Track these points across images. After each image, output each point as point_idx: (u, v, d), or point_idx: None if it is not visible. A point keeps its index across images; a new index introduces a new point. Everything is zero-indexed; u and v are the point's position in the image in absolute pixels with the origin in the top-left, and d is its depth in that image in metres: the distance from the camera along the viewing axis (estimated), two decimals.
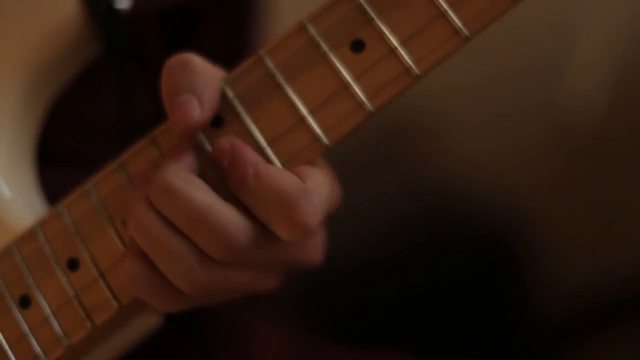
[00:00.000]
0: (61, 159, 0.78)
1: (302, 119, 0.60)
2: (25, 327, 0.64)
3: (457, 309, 1.24)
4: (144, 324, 0.71)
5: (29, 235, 0.65)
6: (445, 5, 0.58)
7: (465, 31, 0.59)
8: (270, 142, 0.61)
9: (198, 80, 0.60)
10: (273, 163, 0.60)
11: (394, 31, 0.59)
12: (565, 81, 1.27)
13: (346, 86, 0.60)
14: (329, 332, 1.02)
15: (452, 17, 0.59)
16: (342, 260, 1.17)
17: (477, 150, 1.32)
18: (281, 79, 0.61)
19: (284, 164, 0.60)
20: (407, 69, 0.59)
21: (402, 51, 0.59)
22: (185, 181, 0.57)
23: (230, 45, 0.86)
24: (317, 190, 0.58)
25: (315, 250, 0.64)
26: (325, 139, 0.60)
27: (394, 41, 0.59)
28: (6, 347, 0.64)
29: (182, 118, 0.58)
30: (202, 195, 0.56)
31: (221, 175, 0.59)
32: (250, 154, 0.58)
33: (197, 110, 0.59)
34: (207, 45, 0.80)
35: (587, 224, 1.30)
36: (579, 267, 1.30)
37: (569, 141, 1.29)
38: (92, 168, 0.68)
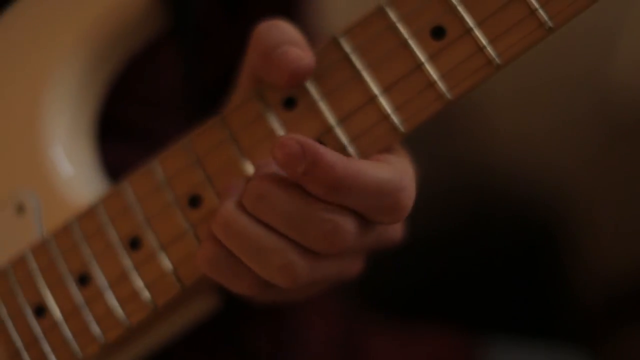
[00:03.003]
0: (123, 133, 0.77)
1: (373, 98, 0.59)
2: (84, 305, 0.63)
3: (496, 287, 1.23)
4: (202, 306, 0.70)
5: (90, 213, 0.63)
6: (536, 4, 0.57)
7: (550, 23, 0.57)
8: (340, 121, 0.59)
9: (295, 35, 0.58)
10: (341, 142, 0.58)
11: (476, 19, 0.57)
12: (614, 59, 1.25)
13: (428, 79, 0.58)
14: (378, 307, 1.01)
15: (540, 14, 0.57)
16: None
17: (519, 128, 1.30)
18: (358, 64, 0.59)
19: (352, 141, 0.58)
20: (489, 61, 0.57)
21: (487, 46, 0.57)
22: (280, 185, 0.55)
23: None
24: (406, 170, 0.56)
25: (398, 229, 0.63)
26: (400, 127, 0.58)
27: (480, 37, 0.57)
28: (63, 324, 0.63)
29: (290, 64, 0.56)
30: (299, 197, 0.55)
31: None
32: (328, 155, 0.54)
33: (303, 55, 0.57)
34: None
35: (628, 207, 1.29)
36: (618, 252, 1.29)
37: (614, 121, 1.26)
38: (154, 143, 0.66)
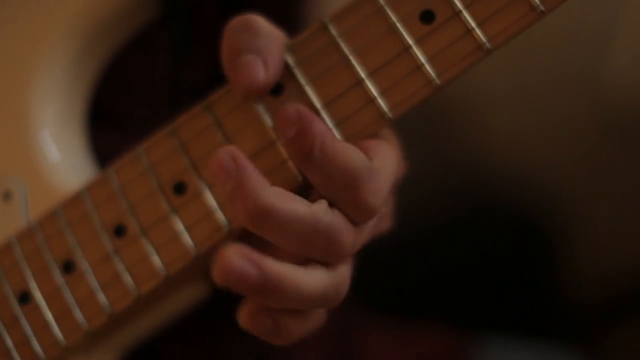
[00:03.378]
0: (113, 121, 0.76)
1: (359, 81, 0.58)
2: (68, 293, 0.62)
3: (491, 286, 1.22)
4: (189, 296, 0.69)
5: (76, 199, 0.63)
6: None
7: (542, 7, 0.56)
8: (326, 105, 0.58)
9: (263, 41, 0.56)
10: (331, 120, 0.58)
11: (465, 1, 0.57)
12: (608, 59, 1.25)
13: (416, 62, 0.57)
14: (372, 306, 1.01)
15: None
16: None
17: (514, 127, 1.30)
18: (345, 49, 0.58)
19: (337, 125, 0.58)
20: (479, 45, 0.57)
21: (477, 29, 0.57)
22: (282, 200, 0.53)
23: (283, 11, 0.84)
24: (383, 167, 0.55)
25: (385, 218, 0.62)
26: (388, 113, 0.58)
27: (469, 20, 0.57)
28: (47, 310, 0.63)
29: (246, 79, 0.55)
30: (304, 209, 0.54)
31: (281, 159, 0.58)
32: (318, 125, 0.54)
33: (262, 71, 0.56)
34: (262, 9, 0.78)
35: (622, 207, 1.28)
36: (612, 251, 1.28)
37: (608, 121, 1.26)
38: (144, 132, 0.65)
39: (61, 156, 0.67)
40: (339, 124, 0.58)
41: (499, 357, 1.01)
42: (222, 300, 0.73)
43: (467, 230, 1.26)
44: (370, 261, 1.20)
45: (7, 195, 0.66)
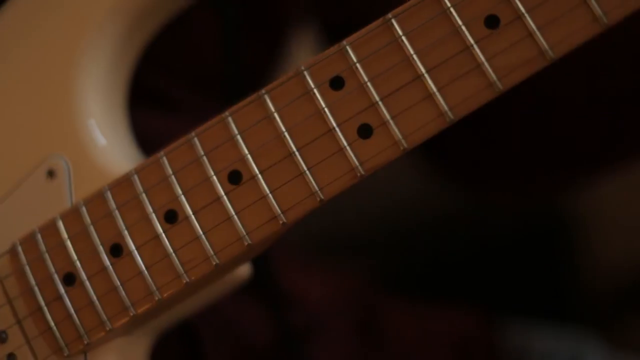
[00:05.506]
0: (155, 101, 0.75)
1: (419, 77, 0.58)
2: (115, 277, 0.62)
3: (512, 270, 1.24)
4: (234, 280, 0.69)
5: (125, 182, 0.63)
6: None
7: (604, 18, 0.57)
8: (383, 98, 0.59)
9: None
10: (384, 118, 0.58)
11: (531, 11, 0.57)
12: None
13: (478, 64, 0.58)
14: (396, 286, 1.02)
15: (593, 4, 0.57)
16: (403, 216, 1.16)
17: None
18: (409, 48, 0.59)
19: (393, 119, 0.58)
20: (542, 52, 0.57)
21: (539, 34, 0.57)
22: None
23: None
24: None
25: None
26: (449, 113, 0.58)
27: (531, 22, 0.57)
28: (94, 297, 0.62)
29: None
30: None
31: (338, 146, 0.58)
32: None
33: None
34: None
35: (637, 199, 1.30)
36: (629, 242, 1.30)
37: None
38: (187, 113, 0.65)
39: (105, 137, 0.67)
40: (394, 117, 0.59)
41: (521, 338, 1.02)
42: None
43: (493, 218, 1.27)
44: (395, 243, 1.21)
45: (51, 173, 0.65)
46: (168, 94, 0.78)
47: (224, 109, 0.62)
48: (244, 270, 0.69)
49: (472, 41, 0.58)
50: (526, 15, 0.57)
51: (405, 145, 0.59)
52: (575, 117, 0.86)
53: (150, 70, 0.71)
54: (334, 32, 0.88)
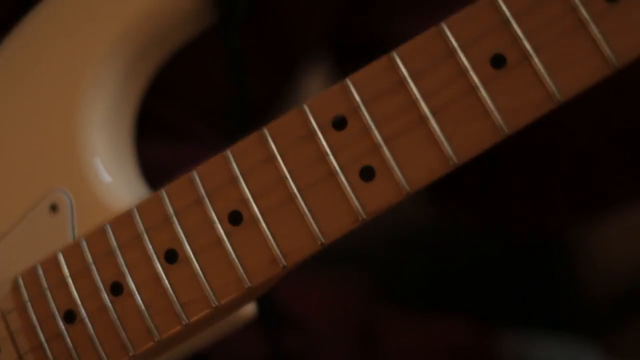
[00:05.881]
0: (160, 130, 0.75)
1: (423, 120, 0.57)
2: (114, 316, 0.62)
3: (510, 279, 1.23)
4: (239, 318, 0.68)
5: (127, 220, 0.62)
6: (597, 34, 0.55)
7: (615, 61, 0.55)
8: (387, 141, 0.57)
9: None
10: (387, 162, 0.57)
11: (538, 52, 0.56)
12: None
13: (483, 107, 0.56)
14: (394, 298, 1.01)
15: (602, 45, 0.55)
16: (401, 227, 1.15)
17: None
18: (414, 90, 0.57)
19: (398, 162, 0.57)
20: (549, 95, 0.56)
21: (546, 76, 0.55)
22: None
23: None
24: None
25: None
26: (453, 157, 0.57)
27: (539, 65, 0.55)
28: (93, 335, 0.62)
29: None
30: None
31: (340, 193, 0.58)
32: None
33: None
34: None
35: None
36: (626, 249, 1.29)
37: None
38: (191, 141, 0.64)
39: (109, 174, 0.66)
40: (397, 160, 0.57)
41: (519, 347, 1.01)
42: None
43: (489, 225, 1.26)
44: (393, 255, 1.20)
45: (54, 208, 0.65)
46: (174, 122, 0.77)
47: (229, 139, 0.61)
48: (250, 309, 0.68)
49: (477, 82, 0.56)
50: (533, 55, 0.55)
51: (408, 188, 0.57)
52: (586, 155, 0.84)
53: (155, 97, 0.70)
54: (347, 61, 0.87)
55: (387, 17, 0.87)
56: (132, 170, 0.69)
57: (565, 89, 0.55)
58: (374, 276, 1.14)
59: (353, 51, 0.88)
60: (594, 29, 0.54)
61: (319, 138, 0.59)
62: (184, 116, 0.78)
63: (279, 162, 0.59)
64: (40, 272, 0.63)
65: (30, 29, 0.68)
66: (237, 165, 0.60)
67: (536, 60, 0.55)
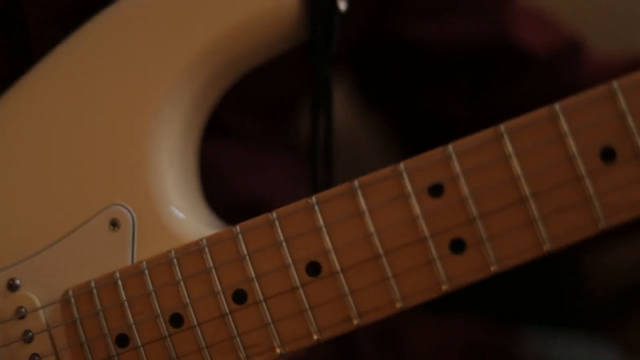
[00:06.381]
0: (221, 131, 0.72)
1: (522, 200, 0.56)
2: (172, 349, 0.60)
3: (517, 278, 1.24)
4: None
5: (194, 252, 0.60)
6: None
7: None
8: (482, 216, 0.56)
9: None
10: (479, 236, 0.56)
11: None
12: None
13: (586, 198, 0.55)
14: None
15: None
16: None
17: None
18: (517, 168, 0.56)
19: (489, 240, 0.56)
20: None
21: None
22: None
23: None
24: None
25: None
26: (547, 243, 0.56)
27: None
28: None
29: None
30: None
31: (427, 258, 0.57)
32: None
33: None
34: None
35: None
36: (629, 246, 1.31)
37: None
38: (257, 144, 0.61)
39: (177, 196, 0.63)
40: (491, 238, 0.56)
41: (538, 346, 1.02)
42: None
43: None
44: None
45: (115, 224, 0.62)
46: (234, 123, 0.75)
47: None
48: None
49: (584, 172, 0.55)
50: None
51: (496, 268, 0.57)
52: None
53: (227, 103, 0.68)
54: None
55: (409, 21, 0.86)
56: (198, 196, 0.66)
57: None
58: None
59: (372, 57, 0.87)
60: None
61: (412, 201, 0.57)
62: (245, 118, 0.76)
63: (367, 220, 0.58)
64: (95, 290, 0.61)
65: (109, 33, 0.64)
66: (322, 216, 0.58)
67: None
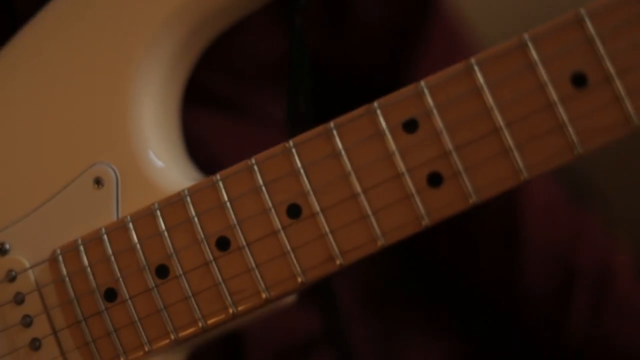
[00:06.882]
0: (206, 100, 0.72)
1: (496, 130, 0.56)
2: (159, 300, 0.60)
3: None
4: (278, 305, 0.67)
5: (177, 203, 0.60)
6: None
7: None
8: (457, 148, 0.57)
9: None
10: (456, 168, 0.57)
11: (620, 74, 0.55)
12: None
13: (560, 124, 0.56)
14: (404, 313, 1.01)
15: None
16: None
17: None
18: (489, 99, 0.56)
19: (465, 171, 0.57)
20: (626, 118, 0.55)
21: (627, 100, 0.55)
22: None
23: None
24: None
25: None
26: (524, 171, 0.56)
27: (620, 87, 0.55)
28: (135, 317, 0.61)
29: None
30: None
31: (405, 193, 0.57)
32: None
33: None
34: None
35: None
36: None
37: None
38: (239, 113, 0.62)
39: (159, 151, 0.64)
40: (467, 169, 0.57)
41: None
42: None
43: None
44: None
45: (99, 182, 0.63)
46: (219, 91, 0.75)
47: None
48: (290, 298, 0.68)
49: (556, 99, 0.56)
50: (615, 78, 0.55)
51: (474, 199, 0.57)
52: None
53: (200, 66, 0.68)
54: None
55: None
56: (181, 151, 0.67)
57: None
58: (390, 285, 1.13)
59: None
60: None
61: (388, 139, 0.57)
62: (229, 85, 0.76)
63: (344, 160, 0.58)
64: (82, 247, 0.62)
65: None
66: (300, 159, 0.59)
67: (617, 82, 0.55)
